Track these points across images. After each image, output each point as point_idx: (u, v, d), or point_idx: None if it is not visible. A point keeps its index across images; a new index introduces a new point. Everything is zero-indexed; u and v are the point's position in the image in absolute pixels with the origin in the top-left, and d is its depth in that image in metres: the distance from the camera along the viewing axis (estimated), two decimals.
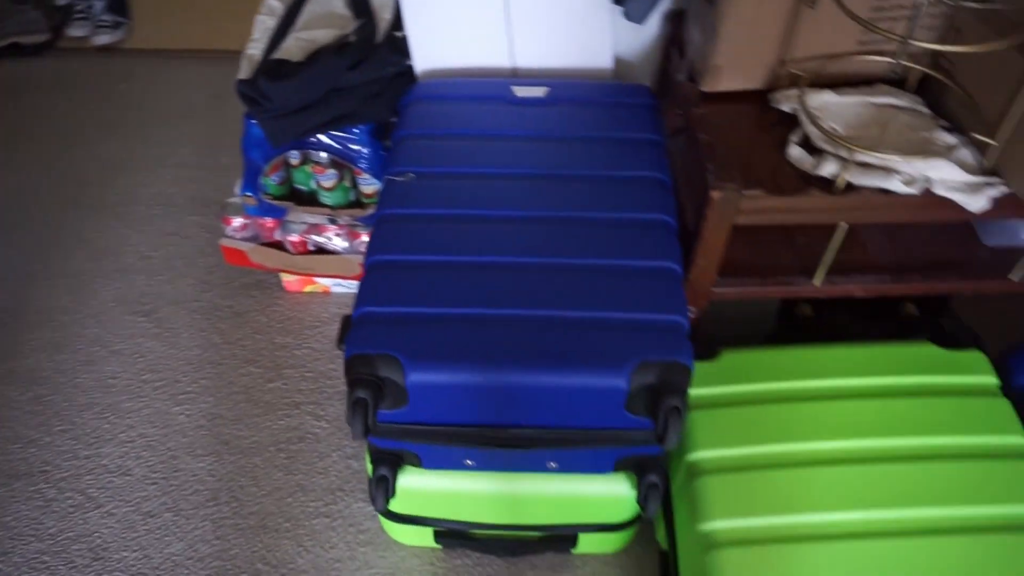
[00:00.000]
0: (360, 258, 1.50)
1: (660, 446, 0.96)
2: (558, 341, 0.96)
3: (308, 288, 1.67)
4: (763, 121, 1.18)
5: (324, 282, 1.65)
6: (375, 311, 1.00)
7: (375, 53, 1.32)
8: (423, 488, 1.14)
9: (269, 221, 1.49)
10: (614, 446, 1.04)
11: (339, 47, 1.31)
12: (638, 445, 1.04)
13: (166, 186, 1.91)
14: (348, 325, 1.00)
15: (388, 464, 1.09)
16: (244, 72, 1.32)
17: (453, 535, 1.25)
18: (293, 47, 1.33)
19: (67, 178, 1.93)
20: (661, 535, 1.26)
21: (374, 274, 1.04)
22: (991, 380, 1.16)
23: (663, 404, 0.94)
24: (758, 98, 1.21)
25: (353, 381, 0.94)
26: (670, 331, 0.98)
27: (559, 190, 1.15)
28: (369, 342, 0.96)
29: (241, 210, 1.49)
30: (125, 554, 1.31)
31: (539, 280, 1.03)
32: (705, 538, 1.02)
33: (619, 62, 1.38)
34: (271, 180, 1.43)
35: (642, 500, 1.09)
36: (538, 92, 1.28)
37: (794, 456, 1.08)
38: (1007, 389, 1.16)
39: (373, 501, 1.10)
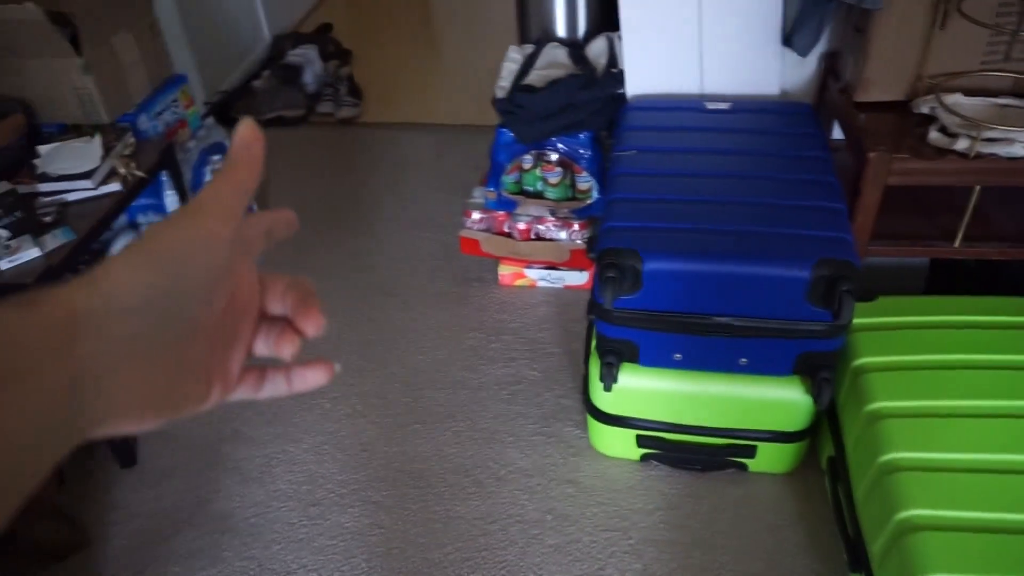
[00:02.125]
0: (571, 245, 1.91)
1: (834, 321, 1.28)
2: (758, 245, 1.31)
3: (519, 282, 2.07)
4: (906, 121, 1.53)
5: (532, 276, 2.05)
6: (617, 224, 1.38)
7: (598, 81, 1.78)
8: (635, 387, 1.47)
9: (502, 214, 1.93)
10: (797, 338, 1.35)
11: (572, 76, 1.78)
12: (816, 338, 1.34)
13: (405, 212, 2.41)
14: (596, 237, 1.39)
15: (615, 353, 1.44)
16: (501, 94, 1.80)
17: (651, 441, 1.55)
18: (535, 78, 1.80)
19: (328, 205, 2.47)
20: (825, 457, 1.51)
21: (614, 206, 1.43)
22: None
23: (837, 289, 1.26)
24: (901, 107, 1.56)
25: (605, 267, 1.32)
26: (841, 242, 1.32)
27: (743, 162, 1.53)
28: (616, 241, 1.33)
29: (481, 205, 1.93)
30: (389, 450, 1.67)
31: (740, 209, 1.39)
32: (871, 416, 1.29)
33: (784, 90, 1.79)
34: (509, 179, 1.88)
35: (816, 392, 1.38)
36: (723, 105, 1.70)
37: (941, 361, 1.35)
38: None
39: (602, 380, 1.44)
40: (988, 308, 1.46)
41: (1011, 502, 1.12)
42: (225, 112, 2.80)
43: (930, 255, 1.56)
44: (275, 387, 0.40)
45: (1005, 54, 1.49)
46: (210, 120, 2.22)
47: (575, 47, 1.99)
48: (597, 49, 1.98)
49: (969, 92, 1.52)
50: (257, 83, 3.01)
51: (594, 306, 1.41)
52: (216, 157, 2.11)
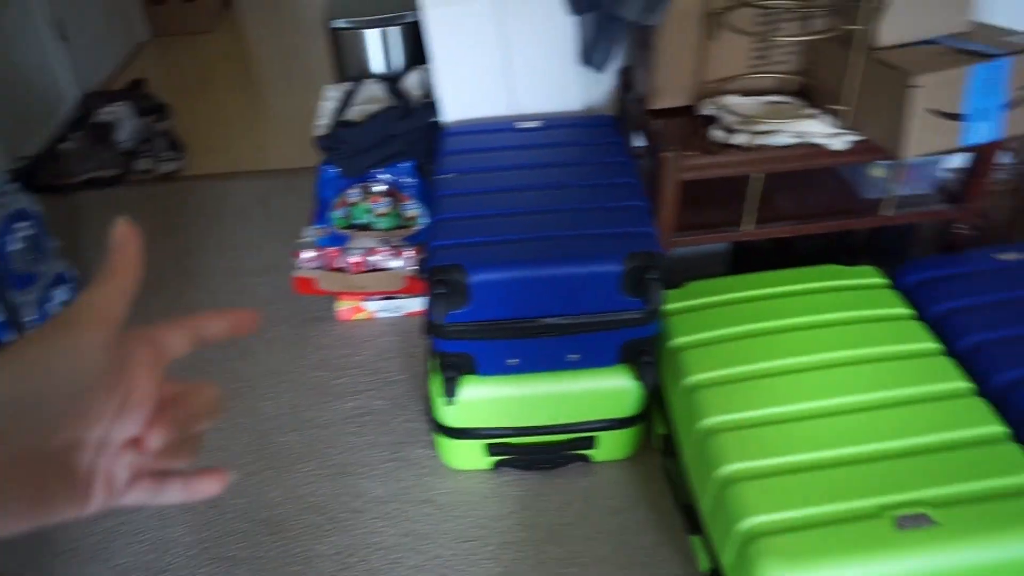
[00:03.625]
0: (406, 272, 1.95)
1: (647, 308, 1.38)
2: (573, 247, 1.41)
3: (357, 316, 2.09)
4: (692, 123, 1.69)
5: (370, 308, 2.07)
6: (442, 243, 1.43)
7: (415, 111, 1.84)
8: (476, 398, 1.52)
9: (334, 250, 1.94)
10: (618, 328, 1.44)
11: (389, 109, 1.83)
12: (635, 326, 1.44)
13: (238, 262, 2.36)
14: (425, 259, 1.44)
15: (453, 367, 1.48)
16: (322, 131, 1.82)
17: (500, 447, 1.59)
18: (354, 114, 1.85)
19: (156, 265, 2.37)
20: (658, 435, 1.62)
21: (438, 227, 1.49)
22: (880, 280, 1.61)
23: (647, 278, 1.37)
24: (688, 111, 1.72)
25: (434, 283, 1.36)
26: (646, 236, 1.43)
27: (555, 173, 1.63)
28: (442, 258, 1.39)
29: (312, 243, 1.94)
30: (238, 502, 1.63)
31: (554, 217, 1.49)
32: (689, 389, 1.40)
33: (588, 105, 1.92)
34: (338, 214, 1.90)
35: (641, 376, 1.49)
36: (533, 123, 1.80)
37: (746, 331, 1.49)
38: (899, 288, 1.61)
39: (446, 393, 1.47)
40: (783, 280, 1.62)
41: (812, 442, 1.25)
42: (31, 178, 2.65)
43: (729, 239, 1.71)
44: (172, 494, 0.40)
45: (766, 58, 1.68)
46: (13, 187, 2.10)
47: (391, 81, 2.06)
48: (413, 81, 2.06)
49: (743, 93, 1.70)
50: (66, 145, 2.87)
51: (428, 324, 1.45)
52: (21, 224, 1.99)
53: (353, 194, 1.90)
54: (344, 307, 2.07)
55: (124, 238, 0.37)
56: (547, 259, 1.38)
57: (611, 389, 1.52)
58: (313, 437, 1.76)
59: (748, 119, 1.58)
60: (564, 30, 1.82)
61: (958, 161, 1.87)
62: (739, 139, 1.58)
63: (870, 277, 1.63)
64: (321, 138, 1.79)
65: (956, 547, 1.12)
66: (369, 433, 1.76)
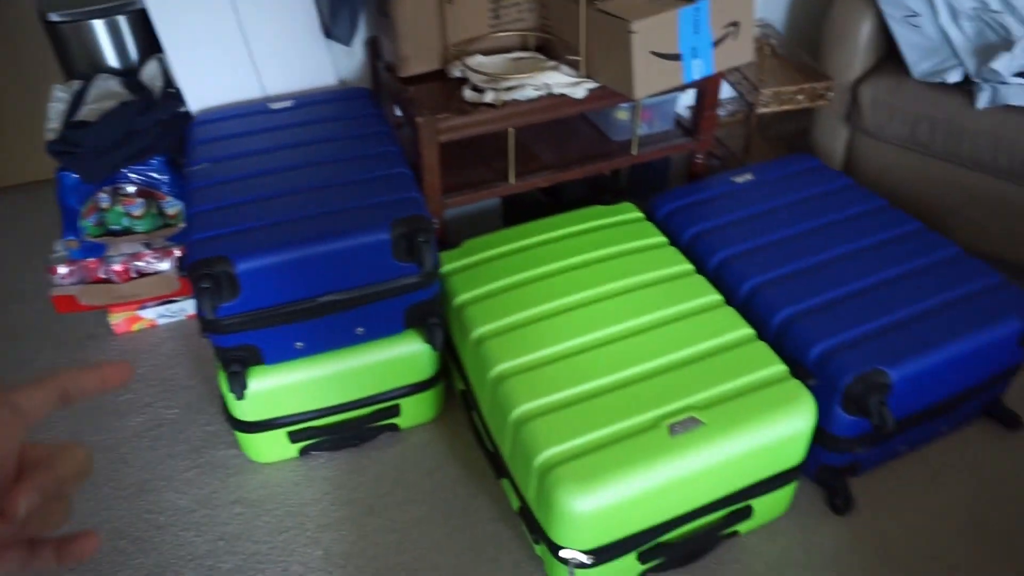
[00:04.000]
0: (178, 273, 1.85)
1: (420, 271, 1.42)
2: (339, 221, 1.40)
3: (136, 326, 1.96)
4: (445, 86, 1.72)
5: (149, 316, 1.95)
6: (202, 236, 1.38)
7: (156, 104, 1.73)
8: (269, 388, 1.49)
9: (92, 261, 1.80)
10: (398, 295, 1.47)
11: (125, 104, 1.71)
12: (414, 290, 1.47)
13: None
14: (185, 255, 1.37)
15: (238, 361, 1.44)
16: (52, 136, 1.67)
17: (303, 433, 1.58)
18: (87, 113, 1.71)
19: None
20: (458, 384, 1.67)
21: (196, 219, 1.43)
22: (638, 214, 1.74)
23: (417, 242, 1.40)
24: (440, 75, 1.75)
25: (197, 279, 1.31)
26: (412, 201, 1.46)
27: (313, 150, 1.61)
28: (203, 251, 1.33)
29: (65, 257, 1.79)
30: None
31: (317, 194, 1.47)
32: (476, 342, 1.46)
33: (342, 79, 1.90)
34: (88, 222, 1.76)
35: (429, 337, 1.52)
36: (286, 103, 1.76)
37: (523, 279, 1.57)
38: (655, 220, 1.76)
39: (232, 391, 1.43)
40: (551, 226, 1.71)
41: (590, 372, 1.35)
42: None
43: (497, 195, 1.78)
44: (44, 562, 0.37)
45: (504, 17, 1.74)
46: None
47: (128, 74, 1.91)
48: (151, 72, 1.92)
49: (488, 52, 1.76)
50: None
51: (201, 321, 1.40)
52: None
53: (103, 199, 1.76)
54: (119, 319, 1.94)
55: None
56: (313, 237, 1.37)
57: (403, 356, 1.55)
58: (102, 460, 1.65)
59: (494, 77, 1.63)
60: (303, 4, 1.79)
61: (691, 98, 2.05)
62: (488, 97, 1.63)
63: (629, 213, 1.76)
64: (52, 143, 1.64)
65: (722, 441, 1.26)
66: (164, 445, 1.67)
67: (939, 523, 1.47)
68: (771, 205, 1.77)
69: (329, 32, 1.82)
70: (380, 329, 1.51)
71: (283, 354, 1.47)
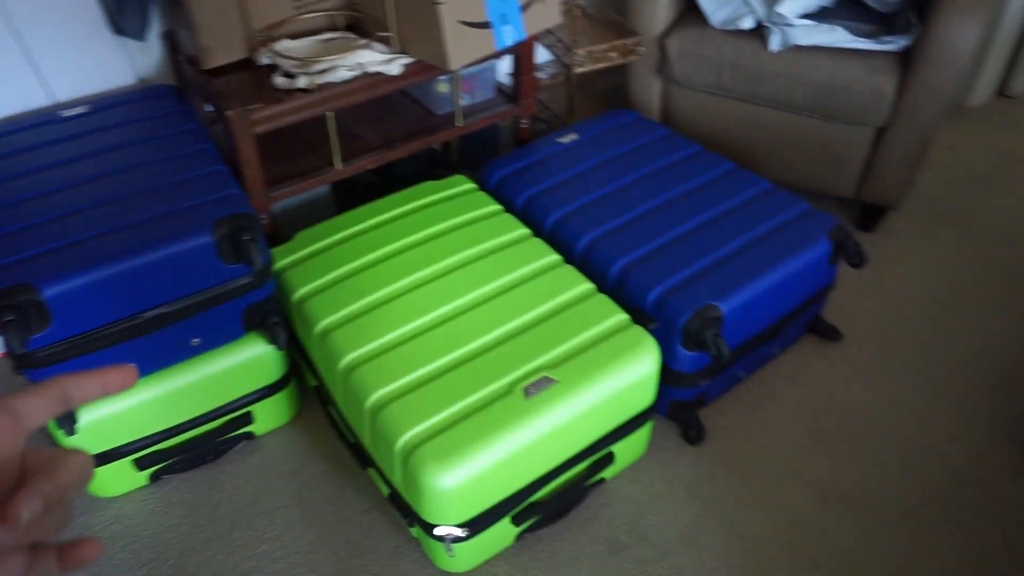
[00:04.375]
0: None
1: (251, 271, 1.36)
2: (152, 230, 1.31)
3: None
4: (254, 76, 1.64)
5: None
6: None
7: None
8: (103, 417, 1.38)
9: None
10: (231, 299, 1.40)
11: None
12: (248, 291, 1.41)
13: None
14: None
15: None
16: None
17: (150, 458, 1.48)
18: None
19: None
20: (311, 381, 1.63)
21: None
22: (470, 185, 1.75)
23: (243, 240, 1.33)
24: (247, 63, 1.67)
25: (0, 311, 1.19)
26: (231, 199, 1.39)
27: (118, 156, 1.49)
28: (1, 281, 1.21)
29: None
30: None
31: (127, 204, 1.37)
32: (321, 335, 1.42)
33: (141, 77, 1.77)
34: None
35: (272, 338, 1.47)
36: (81, 109, 1.62)
37: (360, 264, 1.53)
38: (488, 189, 1.76)
39: (61, 428, 1.32)
40: (384, 207, 1.68)
41: (439, 349, 1.35)
42: None
43: (325, 182, 1.72)
44: (46, 568, 0.37)
45: None
46: None
47: None
48: None
49: (295, 36, 1.69)
50: None
51: (13, 358, 1.28)
52: None
53: None
54: None
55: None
56: (128, 250, 1.27)
57: (247, 361, 1.48)
58: None
59: (305, 61, 1.58)
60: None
61: (510, 65, 2.07)
62: (301, 82, 1.57)
63: (461, 185, 1.76)
64: None
65: (576, 395, 1.29)
66: None
67: (782, 436, 1.59)
68: (597, 161, 1.82)
69: (118, 28, 1.69)
70: (218, 337, 1.44)
71: None
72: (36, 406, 0.40)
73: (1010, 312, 1.89)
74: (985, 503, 1.47)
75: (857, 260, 1.61)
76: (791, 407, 1.65)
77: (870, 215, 2.13)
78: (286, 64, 1.60)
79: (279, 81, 1.59)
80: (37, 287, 1.21)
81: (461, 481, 1.20)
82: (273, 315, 1.47)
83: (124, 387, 0.42)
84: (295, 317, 1.52)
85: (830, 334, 1.79)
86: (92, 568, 1.39)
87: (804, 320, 1.72)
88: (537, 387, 1.28)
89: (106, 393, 0.42)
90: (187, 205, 1.37)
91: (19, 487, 0.37)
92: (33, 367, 1.27)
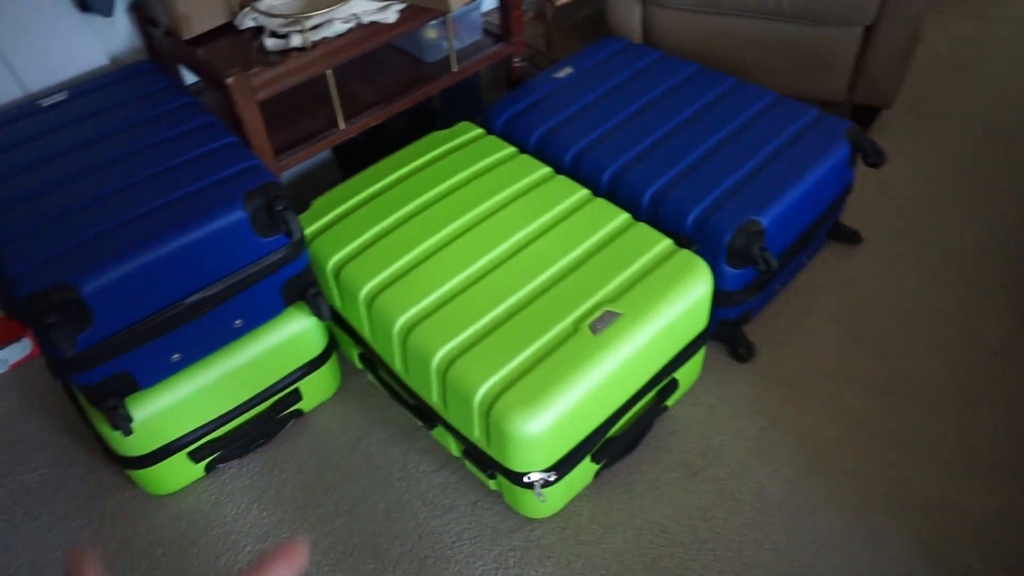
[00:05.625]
0: None
1: (288, 242, 1.30)
2: (180, 211, 1.24)
3: None
4: (238, 40, 1.55)
5: None
6: (21, 267, 1.16)
7: None
8: (153, 413, 1.33)
9: None
10: (269, 275, 1.34)
11: None
12: (284, 265, 1.35)
13: None
14: (7, 293, 1.16)
15: (110, 394, 1.27)
16: None
17: (204, 449, 1.43)
18: None
19: None
20: (356, 356, 1.59)
21: (7, 248, 1.20)
22: (478, 131, 1.70)
23: (278, 211, 1.28)
24: (230, 28, 1.57)
25: (39, 315, 1.12)
26: (254, 170, 1.32)
27: (115, 142, 1.40)
28: (34, 284, 1.13)
29: None
30: None
31: (140, 188, 1.29)
32: (367, 300, 1.38)
33: (114, 56, 1.66)
34: None
35: (315, 310, 1.42)
36: (59, 96, 1.51)
37: (392, 223, 1.49)
38: (495, 133, 1.72)
39: (118, 428, 1.26)
40: (398, 163, 1.63)
41: (494, 299, 1.32)
42: None
43: (330, 144, 1.65)
44: None
45: None
46: None
47: None
48: None
49: None
50: None
51: (58, 363, 1.21)
52: None
53: None
54: None
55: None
56: (161, 235, 1.21)
57: (292, 336, 1.44)
58: None
59: (295, 17, 1.49)
60: None
61: (490, 3, 2.01)
62: (296, 41, 1.49)
63: (469, 132, 1.71)
64: None
65: (642, 325, 1.28)
66: (44, 512, 1.46)
67: (826, 341, 1.62)
68: (600, 92, 1.79)
69: (84, 4, 1.57)
70: (260, 315, 1.39)
71: (160, 372, 1.32)
72: None
73: (1018, 190, 1.94)
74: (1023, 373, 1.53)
75: (876, 159, 1.62)
76: (828, 313, 1.68)
77: (862, 116, 2.15)
78: (273, 24, 1.51)
79: (269, 43, 1.51)
80: (75, 285, 1.14)
81: (547, 425, 1.19)
82: (311, 286, 1.42)
83: (303, 562, 0.40)
84: (330, 286, 1.47)
85: (851, 237, 1.82)
86: (169, 565, 1.35)
87: (827, 227, 1.75)
88: (603, 322, 1.27)
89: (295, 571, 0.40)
90: (209, 182, 1.30)
91: None
92: (79, 369, 1.21)
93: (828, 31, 1.98)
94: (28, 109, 1.50)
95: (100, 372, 1.24)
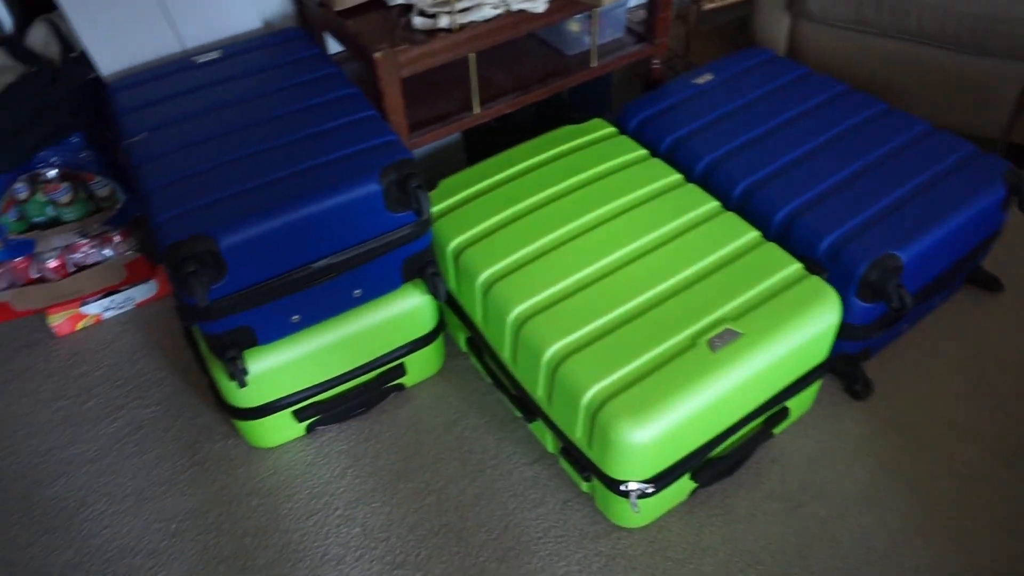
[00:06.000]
0: (123, 259, 1.67)
1: (419, 219, 1.32)
2: (318, 178, 1.27)
3: (81, 324, 1.77)
4: (386, 16, 1.58)
5: (93, 311, 1.77)
6: (168, 215, 1.22)
7: (61, 73, 1.52)
8: (268, 369, 1.37)
9: (21, 261, 1.59)
10: (393, 249, 1.36)
11: (27, 77, 1.49)
12: (409, 241, 1.37)
13: None
14: (151, 240, 1.22)
15: (232, 346, 1.31)
16: None
17: (309, 409, 1.47)
18: None
19: None
20: (463, 340, 1.60)
21: (154, 197, 1.26)
22: (611, 129, 1.68)
23: (409, 187, 1.29)
24: (379, 3, 1.60)
25: (178, 263, 1.17)
26: (391, 145, 1.34)
27: (263, 103, 1.45)
28: (177, 232, 1.19)
29: None
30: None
31: (285, 151, 1.33)
32: (485, 286, 1.38)
33: (267, 20, 1.72)
34: (8, 218, 1.55)
35: (432, 289, 1.43)
36: (213, 55, 1.57)
37: (516, 212, 1.49)
38: (627, 133, 1.69)
39: (234, 379, 1.31)
40: (528, 152, 1.62)
41: (614, 300, 1.30)
42: None
43: (463, 127, 1.67)
44: None
45: None
46: None
47: (10, 43, 1.66)
48: (39, 37, 1.68)
49: None
50: None
51: (188, 310, 1.26)
52: None
53: (20, 189, 1.55)
54: (59, 320, 1.74)
55: None
56: (299, 199, 1.24)
57: (406, 312, 1.46)
58: (86, 475, 1.50)
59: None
60: None
61: (634, 0, 1.97)
62: (443, 22, 1.51)
63: (602, 129, 1.69)
64: None
65: (762, 348, 1.24)
66: (152, 447, 1.54)
67: (949, 392, 1.53)
68: (739, 103, 1.74)
69: None
70: (378, 288, 1.41)
71: (278, 331, 1.36)
72: None
73: None
74: None
75: None
76: (955, 361, 1.59)
77: (1018, 158, 2.02)
78: (423, 2, 1.53)
79: (417, 21, 1.53)
80: (214, 237, 1.18)
81: (653, 437, 1.16)
82: (431, 265, 1.43)
83: None
84: (448, 267, 1.48)
85: (991, 284, 1.71)
86: (263, 516, 1.40)
87: (969, 269, 1.65)
88: (722, 340, 1.24)
89: None
90: (347, 152, 1.33)
91: None
92: (207, 318, 1.26)
93: (991, 63, 1.86)
94: (184, 64, 1.57)
95: (225, 324, 1.28)
